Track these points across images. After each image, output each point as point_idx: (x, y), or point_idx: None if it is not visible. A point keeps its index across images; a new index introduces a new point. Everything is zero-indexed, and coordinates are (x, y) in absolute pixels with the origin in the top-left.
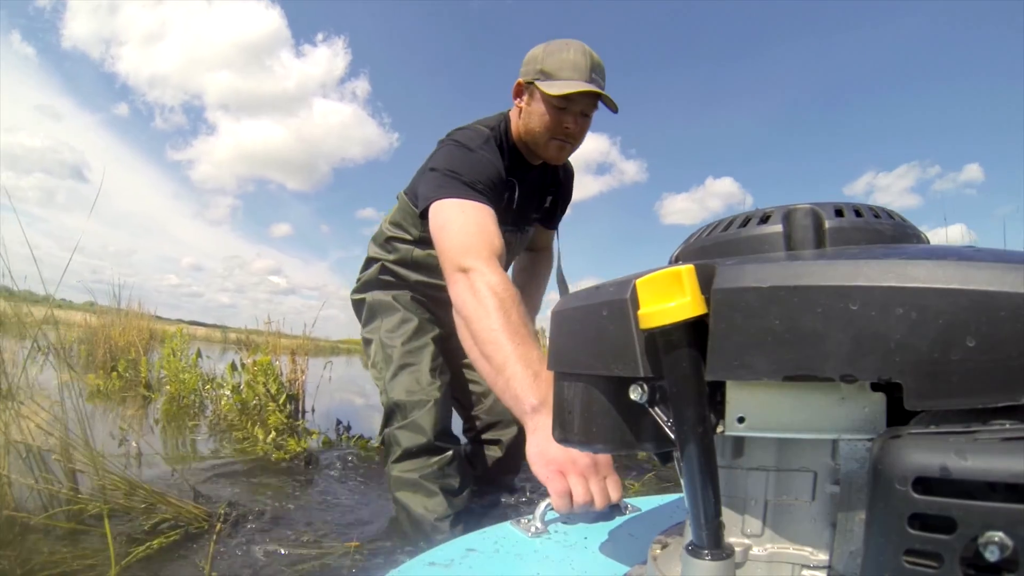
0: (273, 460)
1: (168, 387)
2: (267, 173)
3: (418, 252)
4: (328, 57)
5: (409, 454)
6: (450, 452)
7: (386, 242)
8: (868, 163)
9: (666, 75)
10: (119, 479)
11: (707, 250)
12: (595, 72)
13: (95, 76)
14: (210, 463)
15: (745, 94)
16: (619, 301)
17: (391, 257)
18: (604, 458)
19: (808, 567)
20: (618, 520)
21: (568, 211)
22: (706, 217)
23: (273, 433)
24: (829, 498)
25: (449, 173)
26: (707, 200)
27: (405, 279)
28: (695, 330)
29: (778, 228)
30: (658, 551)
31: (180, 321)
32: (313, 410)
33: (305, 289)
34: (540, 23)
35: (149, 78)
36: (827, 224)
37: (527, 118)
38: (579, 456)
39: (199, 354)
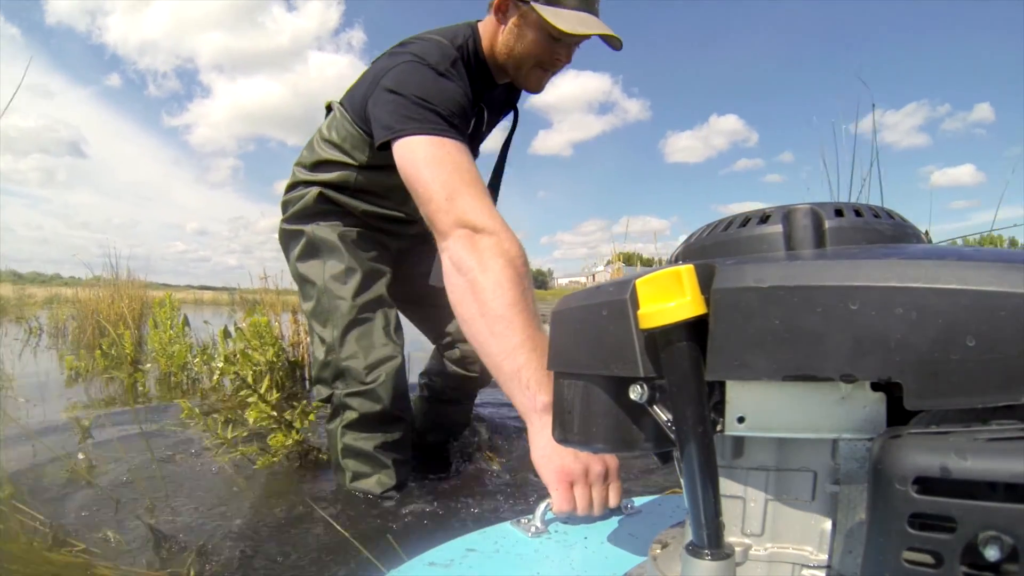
0: (262, 464)
1: (154, 362)
2: (266, 131)
3: (361, 178)
4: (321, 9)
5: (363, 423)
6: (405, 423)
7: (320, 165)
8: (876, 101)
9: (668, 10)
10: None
11: (707, 250)
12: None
13: (83, 49)
14: (181, 472)
15: (749, 30)
16: (619, 301)
17: (328, 179)
18: (614, 464)
19: (808, 567)
20: (618, 520)
21: (569, 151)
22: (711, 155)
23: (267, 418)
24: (829, 498)
25: (418, 101)
26: (711, 138)
27: (349, 208)
28: (695, 330)
29: (778, 228)
30: (658, 551)
31: (189, 287)
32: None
33: None
34: None
35: (139, 45)
36: (827, 224)
37: (512, 40)
38: (593, 465)
39: (186, 321)
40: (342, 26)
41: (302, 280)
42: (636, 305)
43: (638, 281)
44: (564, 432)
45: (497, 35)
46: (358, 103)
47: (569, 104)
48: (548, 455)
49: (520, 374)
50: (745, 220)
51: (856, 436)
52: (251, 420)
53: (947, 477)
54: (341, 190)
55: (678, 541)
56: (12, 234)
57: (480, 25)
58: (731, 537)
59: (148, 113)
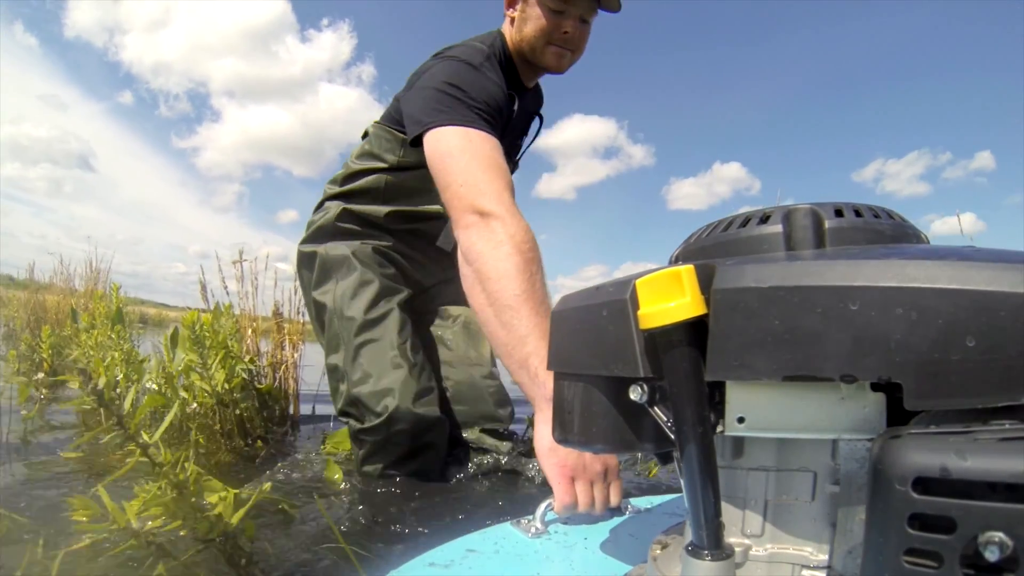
0: None
1: (73, 373)
2: (273, 159)
3: (392, 179)
4: (333, 42)
5: (382, 457)
6: (431, 451)
7: (351, 177)
8: (877, 150)
9: (675, 59)
10: None
11: (707, 250)
12: None
13: (99, 65)
14: None
15: (754, 79)
16: (619, 301)
17: (357, 187)
18: (614, 463)
19: (808, 567)
20: (618, 520)
21: (572, 194)
22: (713, 203)
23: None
24: (829, 498)
25: (451, 90)
26: (714, 185)
27: (373, 218)
28: (695, 330)
29: (778, 228)
30: (658, 551)
31: (188, 308)
32: (313, 412)
33: None
34: None
35: (153, 66)
36: (827, 224)
37: (521, 25)
38: (592, 461)
39: (119, 318)
40: (353, 59)
41: (318, 309)
42: (636, 305)
43: (638, 281)
44: (564, 432)
45: (512, 30)
46: (392, 108)
47: (574, 148)
48: (553, 447)
49: (528, 363)
50: (745, 220)
51: (856, 436)
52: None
53: (947, 477)
54: (369, 198)
55: (678, 541)
56: (16, 241)
57: (502, 28)
58: (731, 537)
59: (158, 133)
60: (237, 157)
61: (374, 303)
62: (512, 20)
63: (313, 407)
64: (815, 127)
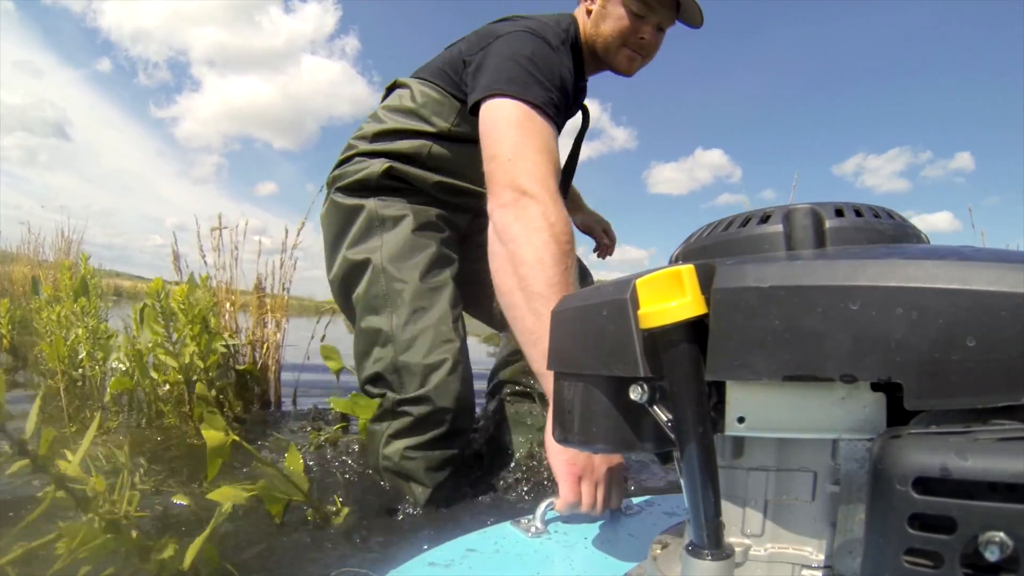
0: None
1: (35, 351)
2: (253, 131)
3: (437, 149)
4: (318, 13)
5: (416, 434)
6: (463, 439)
7: (386, 135)
8: (859, 144)
9: (663, 43)
10: None
11: (707, 250)
12: None
13: (77, 31)
14: None
15: (740, 67)
16: (619, 301)
17: (397, 148)
18: (619, 465)
19: (808, 567)
20: (618, 520)
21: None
22: (694, 188)
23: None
24: (829, 498)
25: (529, 65)
26: (696, 171)
27: (419, 182)
28: (695, 330)
29: (778, 228)
30: (658, 551)
31: (165, 282)
32: (294, 399)
33: (290, 249)
34: None
35: (132, 33)
36: (827, 224)
37: (599, 20)
38: (600, 463)
39: (84, 289)
40: (337, 32)
41: (351, 266)
42: (636, 305)
43: (638, 281)
44: (564, 432)
45: (587, 21)
46: (448, 67)
47: None
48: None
49: None
50: (746, 220)
51: (856, 436)
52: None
53: (947, 477)
54: (414, 162)
55: (678, 541)
56: None
57: (575, 13)
58: (731, 537)
59: (136, 102)
60: (216, 128)
61: (430, 269)
62: (589, 12)
63: (295, 393)
64: (799, 118)
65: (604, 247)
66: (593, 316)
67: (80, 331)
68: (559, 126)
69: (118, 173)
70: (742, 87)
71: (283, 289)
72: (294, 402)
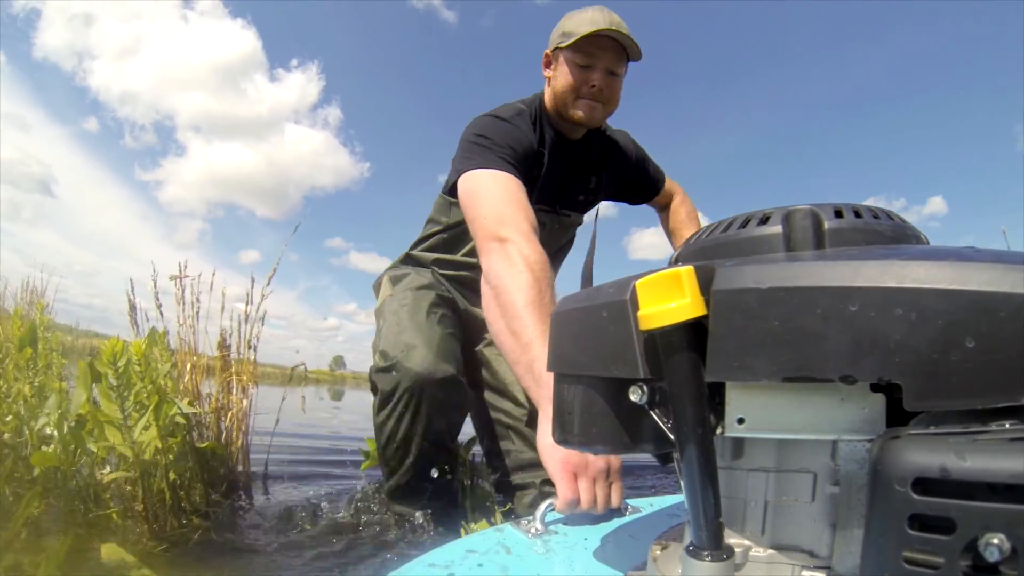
0: None
1: None
2: (237, 198)
3: (445, 236)
4: (302, 83)
5: (384, 402)
6: (436, 408)
7: (418, 243)
8: (834, 195)
9: (635, 106)
10: None
11: (707, 251)
12: (614, 26)
13: (66, 88)
14: None
15: (709, 126)
16: (619, 302)
17: (420, 245)
18: (617, 462)
19: (808, 568)
20: (618, 521)
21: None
22: (672, 252)
23: None
24: (829, 499)
25: (478, 139)
26: None
27: (423, 262)
28: (695, 331)
29: (778, 229)
30: (658, 552)
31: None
32: (265, 482)
33: (273, 319)
34: (516, 53)
35: (120, 94)
36: (826, 225)
37: (554, 84)
38: (595, 459)
39: (31, 340)
40: (320, 102)
41: (381, 309)
42: (636, 306)
43: (638, 283)
44: (564, 433)
45: (548, 90)
46: (449, 176)
47: None
48: (553, 445)
49: (533, 366)
50: (745, 221)
51: (856, 437)
52: None
53: (947, 478)
54: (425, 248)
55: (678, 542)
56: None
57: (544, 89)
58: (731, 538)
59: (122, 163)
60: (200, 193)
61: (421, 292)
62: (548, 80)
63: (266, 465)
64: (774, 172)
65: None
66: (593, 318)
67: (25, 387)
68: (522, 172)
69: (101, 234)
70: (713, 145)
71: (249, 347)
72: (264, 484)
